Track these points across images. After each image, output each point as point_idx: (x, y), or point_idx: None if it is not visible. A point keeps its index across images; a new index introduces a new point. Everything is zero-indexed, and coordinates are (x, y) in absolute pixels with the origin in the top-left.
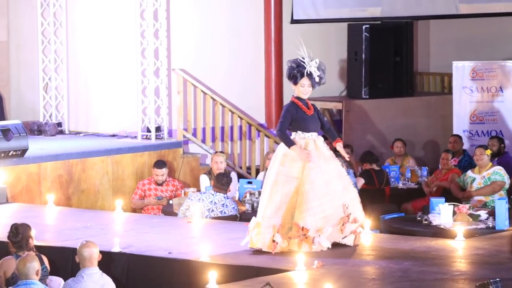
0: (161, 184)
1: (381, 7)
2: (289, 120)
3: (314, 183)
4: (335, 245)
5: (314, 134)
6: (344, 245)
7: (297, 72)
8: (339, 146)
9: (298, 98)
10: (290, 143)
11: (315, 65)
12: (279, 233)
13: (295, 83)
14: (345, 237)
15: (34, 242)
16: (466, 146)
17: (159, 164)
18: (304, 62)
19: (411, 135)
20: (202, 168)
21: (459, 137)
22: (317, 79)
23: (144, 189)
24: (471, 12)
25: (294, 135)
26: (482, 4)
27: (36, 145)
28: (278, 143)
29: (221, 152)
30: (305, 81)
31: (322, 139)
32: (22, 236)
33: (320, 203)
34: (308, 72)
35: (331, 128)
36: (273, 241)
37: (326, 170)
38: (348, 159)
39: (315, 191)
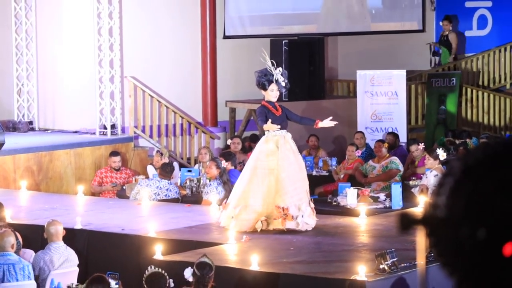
0: (118, 170)
1: (297, 25)
2: (265, 116)
3: (289, 171)
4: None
5: (284, 131)
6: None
7: (265, 80)
8: (322, 123)
9: (268, 101)
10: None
11: (279, 72)
12: (261, 221)
13: (265, 89)
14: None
15: (10, 220)
16: (367, 140)
17: (114, 153)
18: (270, 71)
19: (323, 131)
20: (150, 158)
21: (363, 133)
22: (283, 84)
23: (102, 176)
24: (371, 30)
25: (267, 134)
26: (380, 23)
27: (11, 140)
28: (213, 139)
29: (160, 153)
30: (274, 86)
31: (290, 135)
32: None
33: (295, 187)
34: (276, 79)
35: (304, 117)
36: (255, 226)
37: (295, 161)
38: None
39: (290, 177)
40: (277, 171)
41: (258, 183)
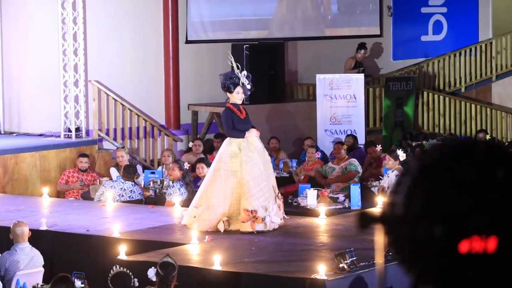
0: (84, 171)
1: (258, 30)
2: (231, 121)
3: (252, 173)
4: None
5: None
6: None
7: (231, 83)
8: None
9: (233, 104)
10: (242, 134)
11: (244, 75)
12: (223, 221)
13: (230, 91)
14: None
15: None
16: (326, 142)
17: (83, 154)
18: (236, 74)
19: (283, 134)
20: (114, 161)
21: (312, 138)
22: (248, 87)
23: (69, 175)
24: (330, 34)
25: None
26: (338, 28)
27: None
28: (176, 141)
29: (122, 147)
30: (239, 89)
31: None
32: None
33: (260, 188)
34: (242, 82)
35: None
36: (217, 227)
37: (259, 160)
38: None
39: (254, 180)
40: (241, 173)
41: (221, 184)
